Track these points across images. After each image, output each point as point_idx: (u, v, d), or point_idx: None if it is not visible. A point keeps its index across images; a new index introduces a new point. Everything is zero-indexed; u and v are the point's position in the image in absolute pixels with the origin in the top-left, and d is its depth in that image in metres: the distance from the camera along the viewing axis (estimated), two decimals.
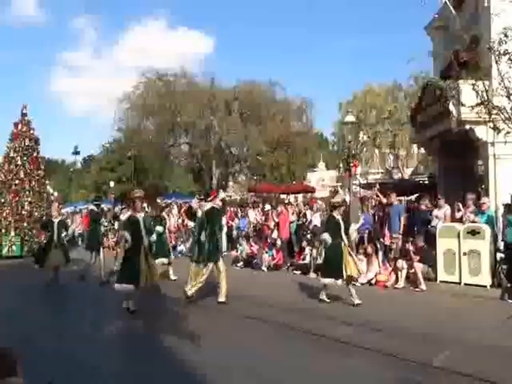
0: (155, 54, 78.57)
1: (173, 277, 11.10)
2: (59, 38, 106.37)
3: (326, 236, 8.25)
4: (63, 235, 10.81)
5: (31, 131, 18.92)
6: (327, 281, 8.09)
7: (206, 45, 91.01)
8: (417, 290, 9.26)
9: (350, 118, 14.17)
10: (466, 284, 9.47)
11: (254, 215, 16.66)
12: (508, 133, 10.57)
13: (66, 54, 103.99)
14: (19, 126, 18.63)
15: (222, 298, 8.10)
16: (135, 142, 32.22)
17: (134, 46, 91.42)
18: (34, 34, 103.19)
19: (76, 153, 52.59)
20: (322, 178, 41.07)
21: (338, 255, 8.03)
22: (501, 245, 9.62)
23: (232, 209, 19.84)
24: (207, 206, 8.56)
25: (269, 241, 13.99)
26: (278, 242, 13.54)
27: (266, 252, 13.46)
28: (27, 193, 18.09)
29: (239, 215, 18.89)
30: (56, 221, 11.09)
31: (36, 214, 18.00)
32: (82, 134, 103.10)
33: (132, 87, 31.69)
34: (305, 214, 14.01)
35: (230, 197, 33.50)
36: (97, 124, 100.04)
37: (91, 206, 12.85)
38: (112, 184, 35.82)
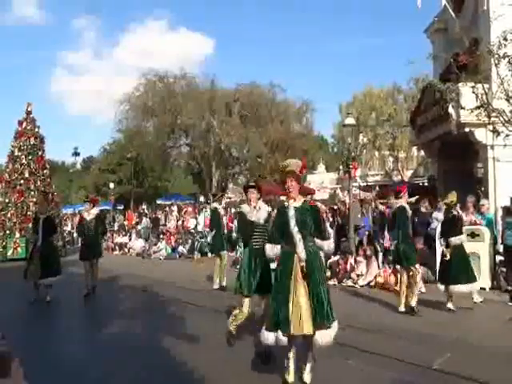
0: (156, 55, 78.65)
1: None
2: (60, 38, 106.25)
3: (463, 238, 7.83)
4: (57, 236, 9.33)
5: (36, 129, 18.48)
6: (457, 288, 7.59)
7: (206, 45, 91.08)
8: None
9: (350, 121, 14.16)
10: None
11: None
12: (507, 136, 10.60)
13: (66, 55, 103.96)
14: (24, 124, 18.19)
15: (413, 303, 7.50)
16: (135, 143, 32.25)
17: (134, 47, 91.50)
18: (34, 34, 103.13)
19: (76, 154, 52.74)
20: (321, 180, 41.07)
21: (464, 257, 7.74)
22: (500, 247, 9.64)
23: (232, 210, 19.87)
24: (395, 204, 7.95)
25: None
26: None
27: None
28: (32, 193, 17.58)
29: None
30: (42, 217, 8.91)
31: None
32: (82, 134, 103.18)
33: (132, 88, 31.77)
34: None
35: (230, 198, 33.54)
36: (97, 125, 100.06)
37: (212, 205, 11.09)
38: (112, 185, 35.81)
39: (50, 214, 10.01)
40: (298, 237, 4.26)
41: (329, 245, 4.55)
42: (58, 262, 9.21)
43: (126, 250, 21.31)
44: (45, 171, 18.45)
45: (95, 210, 9.94)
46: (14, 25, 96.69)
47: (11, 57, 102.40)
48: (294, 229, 4.28)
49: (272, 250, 4.45)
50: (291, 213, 4.35)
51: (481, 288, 9.29)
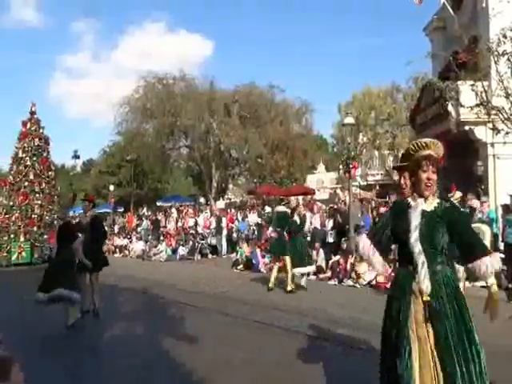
0: (155, 57, 78.75)
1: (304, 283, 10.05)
2: (58, 41, 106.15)
3: None
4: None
5: (41, 130, 18.03)
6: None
7: (205, 47, 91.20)
8: None
9: (349, 120, 14.15)
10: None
11: (253, 218, 16.65)
12: (507, 133, 10.59)
13: (65, 58, 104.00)
14: (28, 125, 17.71)
15: None
16: (135, 145, 32.24)
17: (133, 49, 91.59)
18: (32, 37, 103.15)
19: (76, 157, 52.62)
20: (321, 180, 41.07)
21: None
22: (501, 245, 9.62)
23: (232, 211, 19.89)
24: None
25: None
26: None
27: (264, 256, 13.41)
28: (37, 195, 17.09)
29: (239, 218, 18.92)
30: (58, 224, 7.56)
31: (47, 217, 16.94)
32: (81, 137, 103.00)
33: (131, 91, 31.75)
34: (304, 216, 13.99)
35: (230, 199, 33.54)
36: (96, 127, 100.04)
37: (280, 208, 10.51)
38: (112, 188, 35.80)
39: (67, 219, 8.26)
40: (421, 259, 2.77)
41: (492, 262, 2.95)
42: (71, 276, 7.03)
43: (127, 252, 21.29)
44: (50, 173, 17.92)
45: (91, 212, 8.34)
46: (12, 28, 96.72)
47: (10, 60, 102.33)
48: (416, 246, 2.78)
49: (377, 261, 3.04)
50: (416, 220, 2.81)
51: (481, 286, 9.27)
